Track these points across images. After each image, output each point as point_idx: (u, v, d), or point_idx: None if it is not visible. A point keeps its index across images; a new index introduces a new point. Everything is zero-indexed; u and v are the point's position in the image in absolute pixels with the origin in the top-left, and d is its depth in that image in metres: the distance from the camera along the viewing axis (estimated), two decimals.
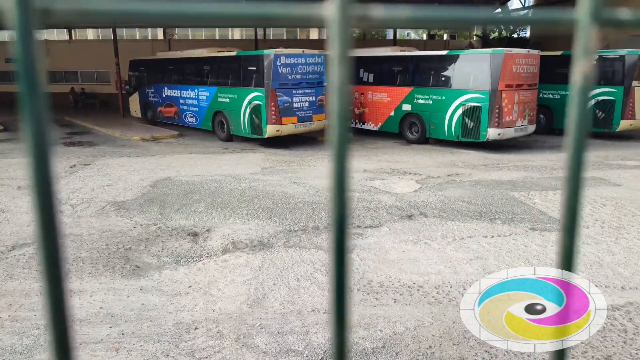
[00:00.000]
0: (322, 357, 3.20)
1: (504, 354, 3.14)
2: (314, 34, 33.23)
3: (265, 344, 3.35)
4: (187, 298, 3.95)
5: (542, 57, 11.69)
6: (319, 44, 22.24)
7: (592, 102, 12.56)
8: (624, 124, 12.21)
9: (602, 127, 12.40)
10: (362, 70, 12.98)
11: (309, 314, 3.72)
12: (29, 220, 5.61)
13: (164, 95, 14.11)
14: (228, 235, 5.29)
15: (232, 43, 24.65)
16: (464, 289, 4.02)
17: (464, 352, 3.19)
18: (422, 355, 3.20)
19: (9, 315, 3.64)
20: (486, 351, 3.17)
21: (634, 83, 12.08)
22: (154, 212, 6.12)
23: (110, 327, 3.52)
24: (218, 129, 12.37)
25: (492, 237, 5.32)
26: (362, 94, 12.94)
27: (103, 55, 20.45)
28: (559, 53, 13.19)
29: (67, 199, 6.66)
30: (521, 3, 22.47)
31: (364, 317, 3.64)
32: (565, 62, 12.99)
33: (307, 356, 3.21)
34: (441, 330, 3.46)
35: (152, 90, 14.64)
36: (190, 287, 4.12)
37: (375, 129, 12.87)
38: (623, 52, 12.35)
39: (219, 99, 12.10)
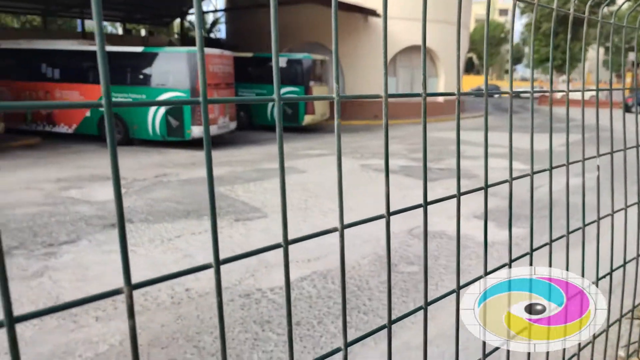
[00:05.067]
0: None
1: (210, 344, 3.23)
2: None
3: None
4: None
5: (236, 58, 12.54)
6: None
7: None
8: (307, 119, 14.24)
9: (291, 121, 14.17)
10: (44, 65, 11.42)
11: None
12: None
13: None
14: None
15: None
16: (173, 290, 3.99)
17: (173, 353, 3.15)
18: None
19: None
20: (195, 346, 3.20)
21: (311, 83, 14.18)
22: None
23: None
24: None
25: (200, 233, 5.43)
26: (48, 92, 11.40)
27: None
28: (250, 55, 14.41)
29: None
30: (214, 6, 23.61)
31: (60, 346, 3.20)
32: (257, 63, 14.30)
33: None
34: (149, 337, 3.34)
35: None
36: None
37: (70, 131, 11.57)
38: (300, 56, 14.33)
39: None
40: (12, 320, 0.47)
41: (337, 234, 0.84)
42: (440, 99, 20.25)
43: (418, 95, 0.90)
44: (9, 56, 11.54)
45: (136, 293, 3.88)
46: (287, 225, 0.79)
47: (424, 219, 0.95)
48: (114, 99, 0.52)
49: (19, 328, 3.36)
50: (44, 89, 11.40)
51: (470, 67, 38.63)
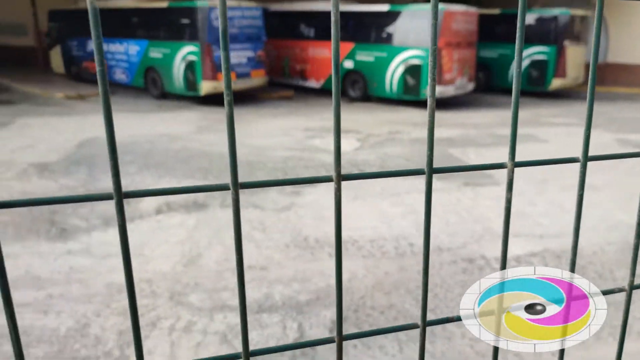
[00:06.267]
0: (257, 311, 3.23)
1: (431, 300, 3.29)
2: None
3: (199, 300, 3.34)
4: (119, 259, 3.84)
5: (480, 15, 11.85)
6: None
7: (527, 61, 12.99)
8: (555, 83, 12.73)
9: (535, 85, 12.88)
10: (303, 25, 12.69)
11: (244, 271, 3.72)
12: None
13: (89, 49, 13.13)
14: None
15: None
16: (397, 242, 4.15)
17: (394, 300, 3.32)
18: (355, 304, 3.30)
19: None
20: (414, 299, 3.31)
21: (566, 42, 12.54)
22: (81, 174, 5.84)
23: (37, 291, 3.38)
24: (151, 86, 11.77)
25: None
26: (303, 49, 12.70)
27: (13, 4, 17.99)
28: (497, 12, 13.43)
29: None
30: None
31: (299, 272, 3.68)
32: (504, 20, 13.27)
33: None
34: (373, 281, 3.57)
35: (76, 43, 13.34)
36: None
37: (318, 86, 12.75)
38: (556, 12, 12.73)
39: (151, 54, 11.49)
40: (120, 195, 0.51)
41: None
42: None
43: None
44: (275, 18, 13.19)
45: (363, 239, 4.18)
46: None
47: None
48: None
49: (269, 250, 3.97)
50: (300, 47, 12.77)
51: None
